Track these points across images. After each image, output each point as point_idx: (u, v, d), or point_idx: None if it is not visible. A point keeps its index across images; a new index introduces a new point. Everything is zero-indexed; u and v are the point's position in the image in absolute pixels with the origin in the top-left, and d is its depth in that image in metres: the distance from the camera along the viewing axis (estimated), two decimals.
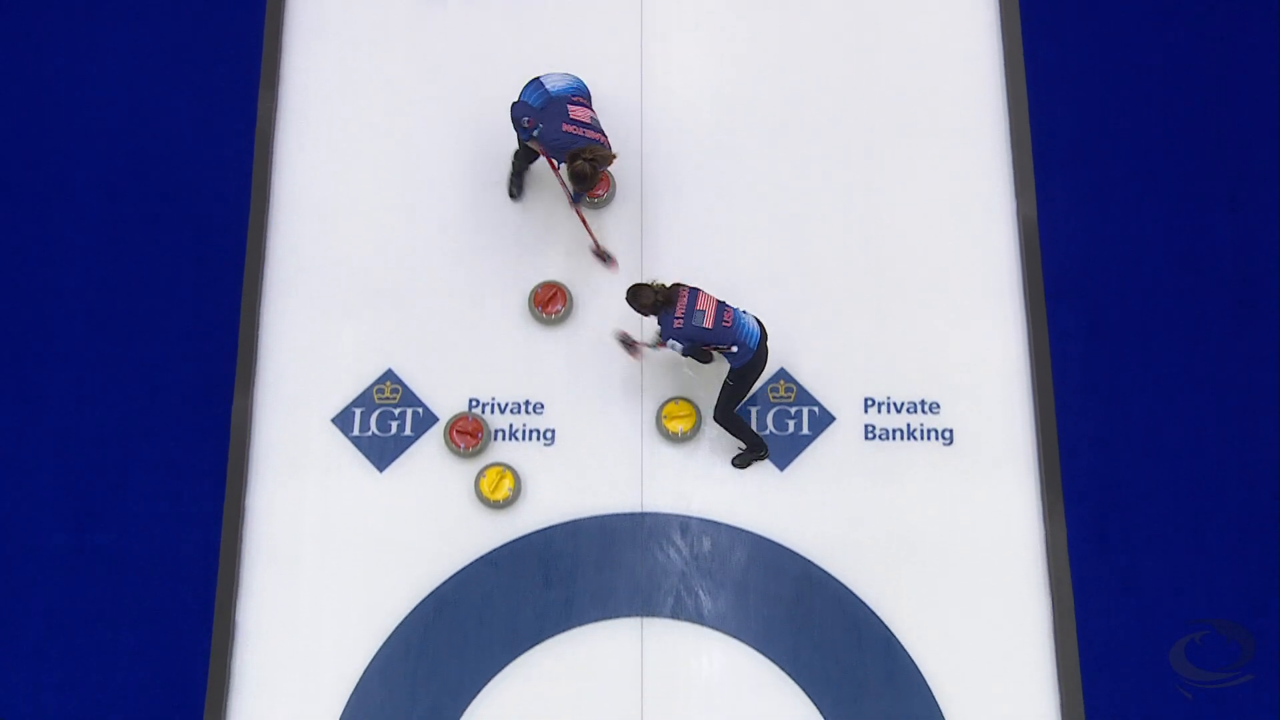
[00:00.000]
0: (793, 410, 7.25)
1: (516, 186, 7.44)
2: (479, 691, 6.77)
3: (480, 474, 7.08)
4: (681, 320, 6.59)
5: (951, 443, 7.18)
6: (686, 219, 7.59)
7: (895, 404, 7.24)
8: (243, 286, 7.39)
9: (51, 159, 7.76)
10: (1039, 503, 7.07)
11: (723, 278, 7.33)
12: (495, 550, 6.98)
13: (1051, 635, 6.88)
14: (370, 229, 7.56)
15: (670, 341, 6.63)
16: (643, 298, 6.62)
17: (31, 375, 7.42)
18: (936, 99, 7.76)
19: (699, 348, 6.72)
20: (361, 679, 6.81)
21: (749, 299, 7.23)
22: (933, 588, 6.92)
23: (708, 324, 6.57)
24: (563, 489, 7.04)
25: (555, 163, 6.93)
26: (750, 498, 7.06)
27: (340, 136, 7.73)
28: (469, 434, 7.15)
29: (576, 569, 6.93)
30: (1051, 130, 7.65)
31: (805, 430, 7.22)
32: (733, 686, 6.81)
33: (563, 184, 6.87)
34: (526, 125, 6.80)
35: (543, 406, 7.23)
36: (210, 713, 6.78)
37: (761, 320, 6.77)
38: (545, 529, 7.03)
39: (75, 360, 7.41)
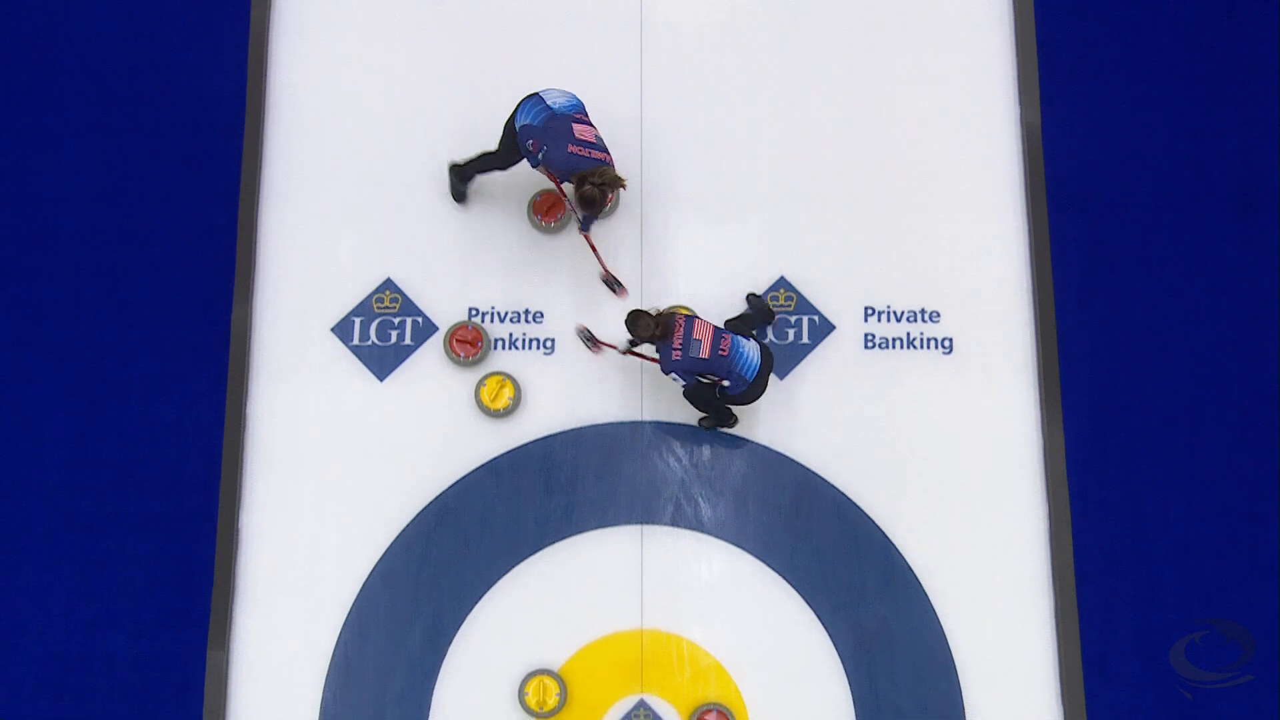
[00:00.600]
0: (792, 319, 7.20)
1: (461, 192, 7.21)
2: (481, 598, 6.80)
3: (480, 383, 7.03)
4: (680, 351, 6.49)
5: (951, 352, 7.13)
6: (687, 131, 7.50)
7: (895, 313, 7.19)
8: (240, 194, 7.27)
9: (44, 66, 7.67)
10: (1037, 412, 7.03)
11: (723, 187, 7.36)
12: (496, 459, 6.95)
13: (1047, 542, 6.89)
14: (369, 136, 7.42)
15: (672, 375, 6.56)
16: (640, 327, 6.51)
17: (30, 286, 7.41)
18: (939, 4, 7.64)
19: (699, 379, 6.60)
20: (364, 586, 6.83)
21: (749, 207, 7.23)
22: (930, 496, 6.93)
23: (704, 354, 6.47)
24: (563, 398, 7.00)
25: (561, 186, 6.71)
26: (749, 406, 6.95)
27: (337, 40, 7.59)
28: (469, 343, 7.09)
29: (577, 477, 6.92)
30: (1056, 37, 7.56)
31: (805, 339, 7.17)
32: (731, 593, 6.83)
33: (572, 208, 6.64)
34: (532, 149, 6.55)
35: (542, 315, 7.18)
36: (216, 618, 6.81)
37: (767, 347, 6.69)
38: (545, 438, 7.00)
39: (73, 270, 7.39)
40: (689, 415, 7.02)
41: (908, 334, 7.16)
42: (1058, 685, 6.71)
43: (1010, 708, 6.72)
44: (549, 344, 7.17)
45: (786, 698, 6.73)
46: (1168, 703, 6.50)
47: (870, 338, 7.18)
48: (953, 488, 6.95)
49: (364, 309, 7.20)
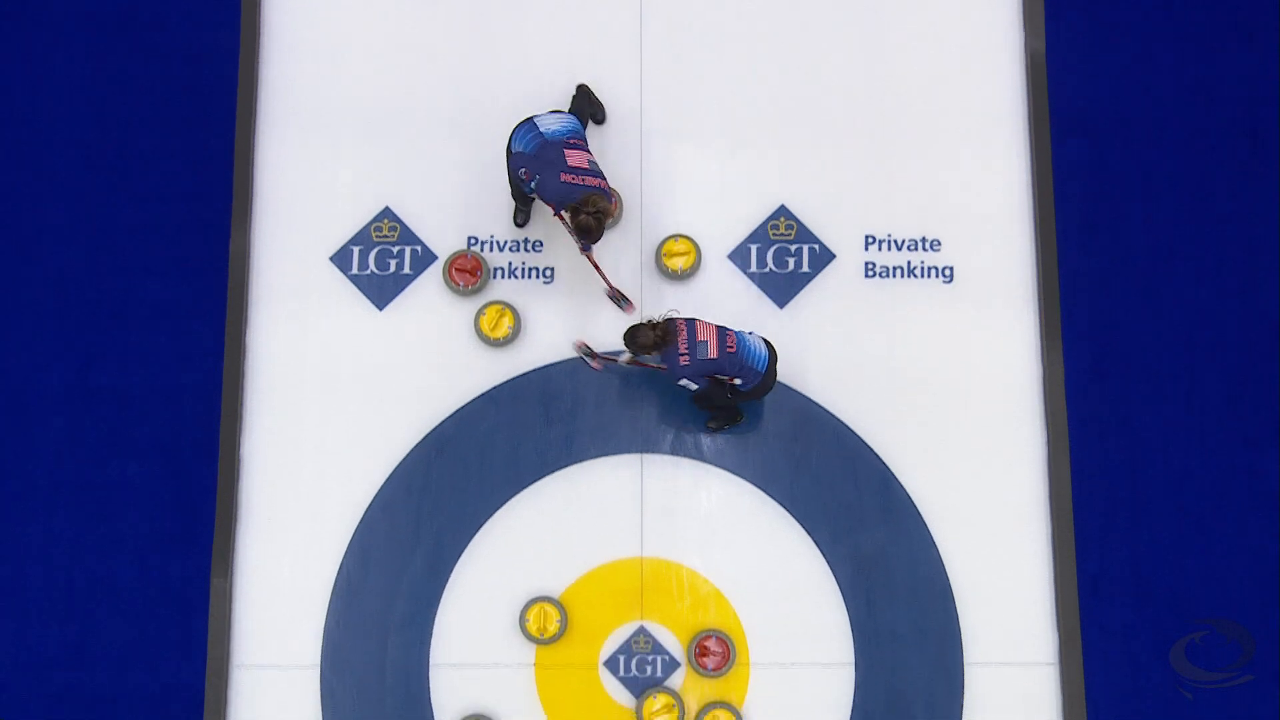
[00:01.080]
0: (792, 248, 7.15)
1: (522, 215, 7.12)
2: (481, 526, 6.81)
3: (480, 312, 7.00)
4: (687, 355, 6.36)
5: (952, 281, 7.12)
6: (687, 58, 7.43)
7: (896, 241, 7.15)
8: (236, 120, 7.20)
9: None
10: (1038, 340, 7.04)
11: (723, 115, 7.31)
12: (496, 388, 6.94)
13: (1045, 470, 6.93)
14: (368, 62, 7.35)
15: (684, 381, 6.46)
16: (640, 338, 6.37)
17: (27, 214, 7.31)
18: None
19: (712, 381, 6.50)
20: (365, 515, 6.85)
21: (749, 135, 7.18)
22: (930, 424, 6.93)
23: (713, 354, 6.36)
24: (563, 326, 6.97)
25: (558, 212, 6.57)
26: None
27: None
28: (468, 272, 7.05)
29: (577, 406, 6.91)
30: None
31: (805, 268, 7.13)
32: (731, 520, 6.85)
33: (571, 232, 6.51)
34: (524, 178, 6.48)
35: (541, 244, 7.12)
36: (219, 546, 6.83)
37: (770, 341, 6.59)
38: (545, 367, 6.98)
39: (70, 197, 7.29)
40: None
41: (908, 263, 7.12)
42: (1053, 610, 6.76)
43: (1005, 632, 6.77)
44: (549, 273, 7.12)
45: (785, 624, 6.76)
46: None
47: (871, 266, 7.14)
48: (952, 416, 6.95)
49: (363, 238, 7.14)
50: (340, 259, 7.13)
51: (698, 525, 6.83)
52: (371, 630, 6.74)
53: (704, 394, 6.52)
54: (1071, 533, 6.82)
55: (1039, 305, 7.06)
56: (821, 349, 7.02)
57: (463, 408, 6.92)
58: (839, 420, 6.93)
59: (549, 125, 6.48)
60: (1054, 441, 6.93)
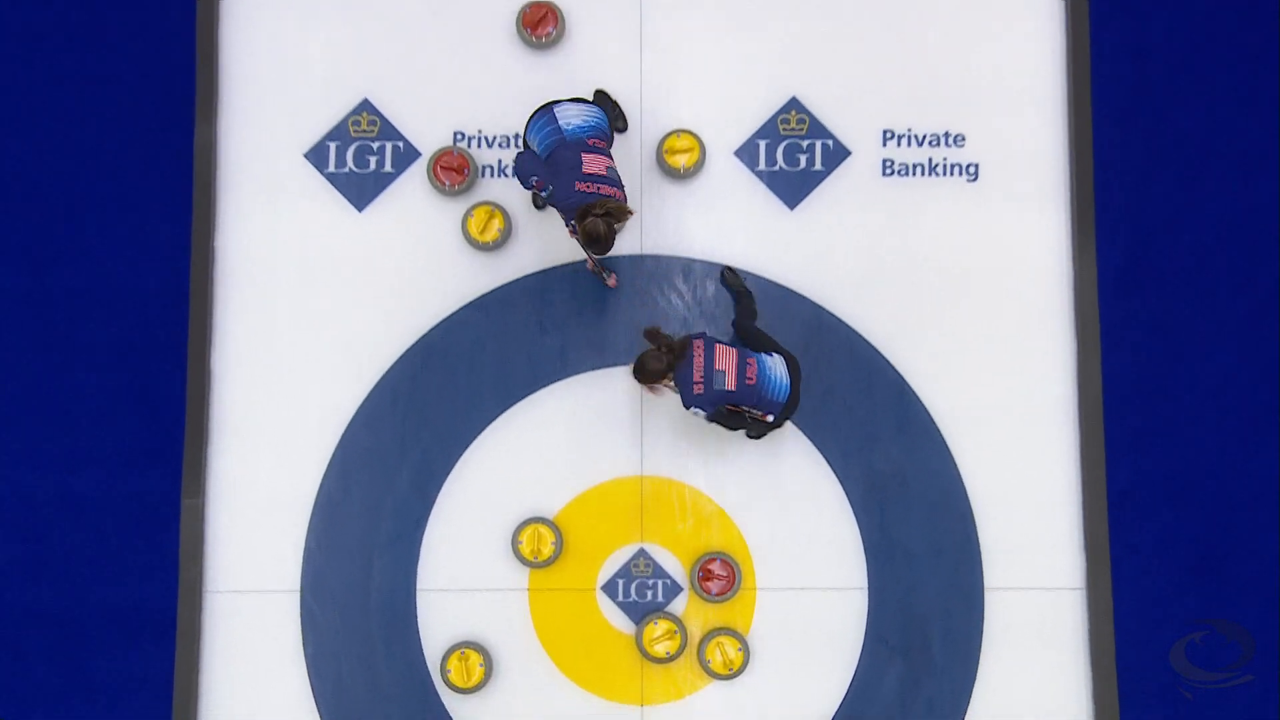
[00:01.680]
0: (804, 144, 6.81)
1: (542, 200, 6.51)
2: (470, 442, 6.61)
3: (468, 213, 6.70)
4: (701, 384, 5.98)
5: (976, 178, 6.77)
6: None
7: (916, 136, 6.80)
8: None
9: None
10: (1069, 241, 6.73)
11: None
12: (485, 295, 6.70)
13: (1075, 380, 6.65)
14: None
15: (693, 410, 6.07)
16: (650, 366, 5.94)
17: None
18: None
19: (725, 410, 6.15)
20: (347, 429, 6.63)
21: (758, 20, 6.81)
22: (950, 333, 6.67)
23: (730, 385, 5.99)
24: (556, 229, 6.52)
25: (569, 223, 6.10)
26: (758, 239, 6.72)
27: None
28: (454, 170, 6.73)
29: (571, 315, 6.68)
30: None
31: (818, 165, 6.79)
32: (735, 440, 6.57)
33: (581, 245, 6.11)
34: (536, 187, 6.07)
35: None
36: (190, 462, 6.61)
37: (793, 357, 6.25)
38: (538, 272, 6.74)
39: (20, 86, 6.86)
40: (692, 249, 6.75)
41: (929, 159, 6.79)
42: (1080, 530, 6.57)
43: (1028, 553, 6.58)
44: None
45: (793, 545, 6.58)
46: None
47: (889, 164, 6.81)
48: (974, 325, 6.68)
49: (340, 133, 6.83)
50: (316, 156, 6.81)
51: (701, 441, 6.58)
52: (354, 552, 6.56)
53: (716, 420, 6.21)
54: (1102, 447, 6.56)
55: (1071, 203, 6.72)
56: (835, 253, 6.73)
57: (450, 316, 6.69)
58: (852, 329, 6.68)
59: (570, 119, 6.08)
60: (1084, 348, 6.64)
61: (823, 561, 6.58)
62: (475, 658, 6.45)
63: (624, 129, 6.61)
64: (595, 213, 5.83)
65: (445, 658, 6.46)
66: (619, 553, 6.60)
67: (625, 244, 6.59)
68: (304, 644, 6.54)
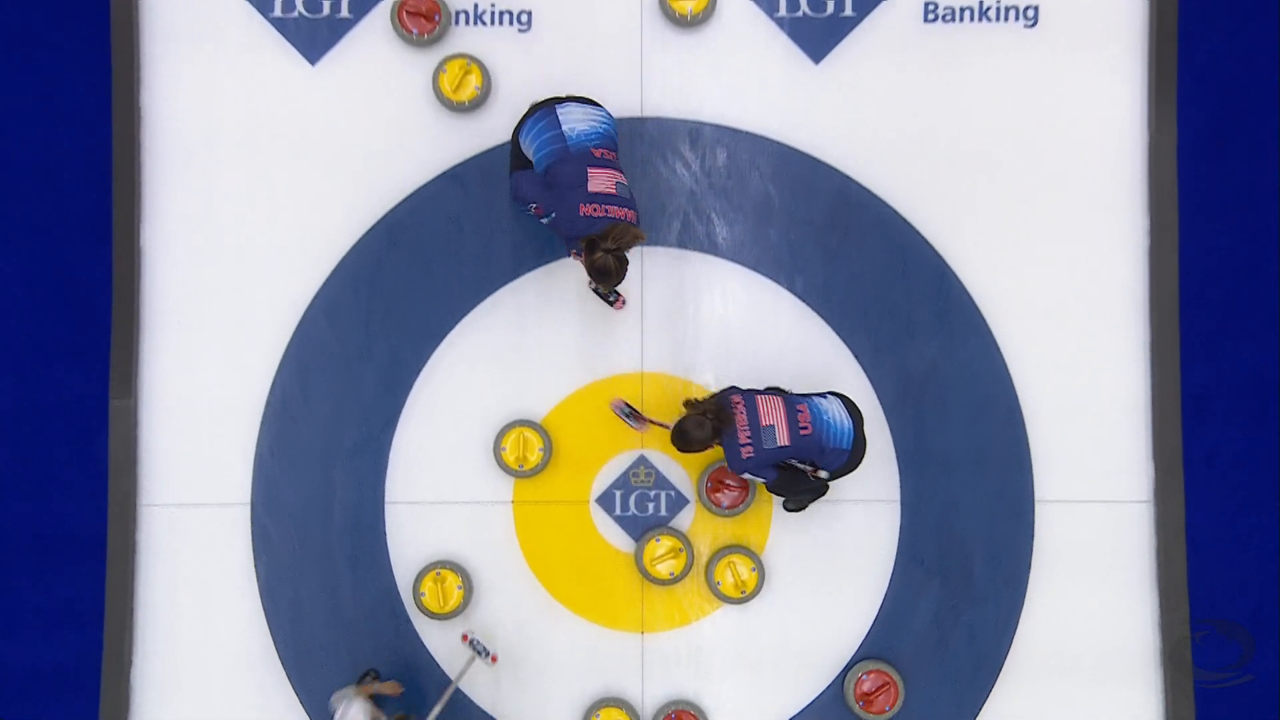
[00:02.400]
0: None
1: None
2: (446, 334, 6.21)
3: (439, 67, 6.17)
4: (750, 446, 5.46)
5: (1036, 24, 6.23)
6: None
7: None
8: None
9: None
10: (1144, 100, 6.22)
11: None
12: (461, 165, 6.22)
13: (1146, 264, 6.20)
14: None
15: (747, 475, 5.60)
16: (693, 436, 5.46)
17: None
18: None
19: (784, 468, 5.65)
20: (303, 320, 6.21)
21: None
22: (1001, 210, 6.20)
23: (783, 440, 5.47)
24: (542, 86, 6.05)
25: (573, 249, 5.66)
26: (777, 98, 6.19)
27: None
28: (423, 15, 6.19)
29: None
30: None
31: (848, 10, 6.23)
32: (750, 328, 6.22)
33: (585, 270, 5.60)
34: (535, 213, 5.55)
35: None
36: (118, 360, 6.18)
37: (851, 400, 5.72)
38: None
39: None
40: (701, 110, 6.23)
41: (980, 1, 6.23)
42: (1148, 435, 6.21)
43: (1087, 462, 6.19)
44: (524, 18, 6.24)
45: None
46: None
47: (931, 7, 6.24)
48: (1029, 199, 6.21)
49: None
50: None
51: (710, 333, 6.21)
52: (313, 461, 6.19)
53: (778, 486, 5.77)
54: (1176, 341, 6.16)
55: (1149, 55, 6.21)
56: (866, 114, 6.22)
57: (420, 189, 6.22)
58: (886, 204, 6.20)
59: (574, 124, 5.52)
60: (1159, 227, 6.18)
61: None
62: (452, 579, 6.10)
63: None
64: (605, 246, 5.36)
65: (418, 580, 6.12)
66: (616, 460, 6.23)
67: (623, 104, 6.16)
68: (255, 565, 6.19)
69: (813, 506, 6.09)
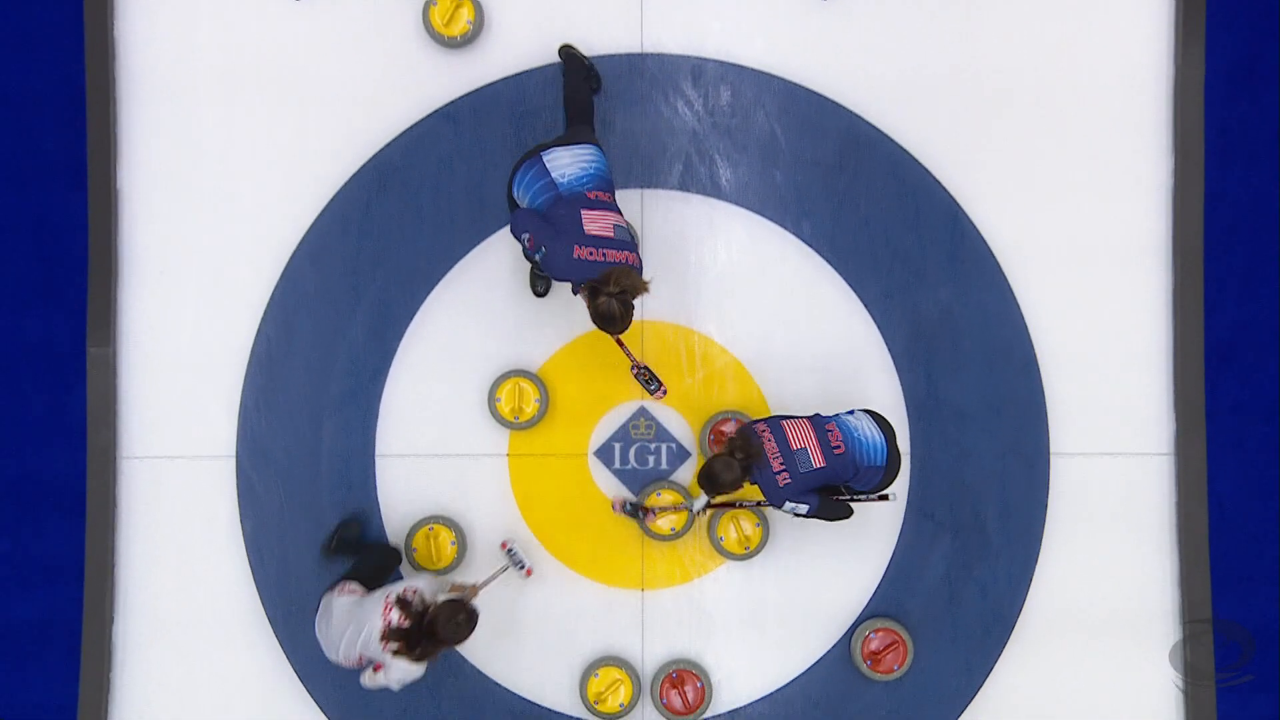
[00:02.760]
0: None
1: (542, 284, 6.01)
2: (438, 281, 6.11)
3: (430, 1, 6.06)
4: (786, 473, 5.26)
5: None
6: None
7: None
8: None
9: None
10: (1171, 32, 6.08)
11: None
12: (453, 103, 6.10)
13: (1169, 204, 6.08)
14: None
15: (788, 505, 5.38)
16: (722, 477, 5.20)
17: None
18: None
19: (824, 493, 5.45)
20: (288, 266, 6.09)
21: None
22: (1017, 149, 6.08)
23: (818, 463, 5.29)
24: (538, 21, 6.06)
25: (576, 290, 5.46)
26: (783, 34, 6.05)
27: None
28: None
29: (557, 127, 6.02)
30: None
31: None
32: (753, 273, 6.11)
33: (591, 318, 5.42)
34: (528, 245, 5.33)
35: None
36: (95, 307, 6.07)
37: (880, 415, 5.52)
38: (517, 75, 6.12)
39: None
40: (703, 46, 6.09)
41: None
42: (1169, 386, 6.12)
43: (1105, 413, 6.13)
44: None
45: (822, 401, 6.01)
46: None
47: None
48: (1047, 138, 6.08)
49: None
50: None
51: (712, 280, 6.11)
52: (300, 412, 6.10)
53: (821, 514, 5.49)
54: (1200, 287, 6.05)
55: None
56: (877, 49, 6.10)
57: (411, 128, 6.10)
58: (896, 144, 6.08)
59: (564, 170, 5.33)
60: (1184, 165, 6.05)
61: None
62: (445, 535, 6.03)
63: (598, 89, 6.02)
64: (608, 291, 5.17)
65: (410, 535, 6.05)
66: (615, 411, 6.15)
67: (622, 41, 6.09)
68: (241, 519, 6.10)
69: None
